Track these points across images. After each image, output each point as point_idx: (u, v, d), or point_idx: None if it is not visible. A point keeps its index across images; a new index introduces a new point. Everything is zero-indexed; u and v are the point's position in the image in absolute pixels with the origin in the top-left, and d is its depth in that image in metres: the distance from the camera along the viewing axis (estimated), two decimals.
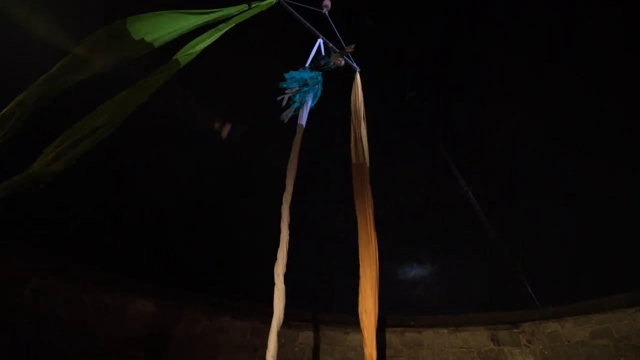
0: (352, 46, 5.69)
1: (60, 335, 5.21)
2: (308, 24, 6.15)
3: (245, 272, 11.67)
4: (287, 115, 5.30)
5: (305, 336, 6.31)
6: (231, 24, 4.79)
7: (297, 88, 5.24)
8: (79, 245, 8.83)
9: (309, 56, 6.01)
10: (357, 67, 6.60)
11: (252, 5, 4.97)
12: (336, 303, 14.04)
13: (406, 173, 14.26)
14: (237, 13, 4.81)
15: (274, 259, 3.49)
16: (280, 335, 6.31)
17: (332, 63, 5.68)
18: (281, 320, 3.00)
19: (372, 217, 4.69)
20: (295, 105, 5.27)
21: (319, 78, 5.44)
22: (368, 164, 5.27)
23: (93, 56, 3.56)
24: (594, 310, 5.57)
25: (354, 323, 6.44)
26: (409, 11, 13.19)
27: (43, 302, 5.35)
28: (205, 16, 4.48)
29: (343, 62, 5.89)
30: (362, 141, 5.50)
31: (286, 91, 5.27)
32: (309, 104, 5.19)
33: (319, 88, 5.47)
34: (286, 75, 5.28)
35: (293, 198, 3.97)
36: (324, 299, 13.86)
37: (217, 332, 6.18)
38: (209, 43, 4.64)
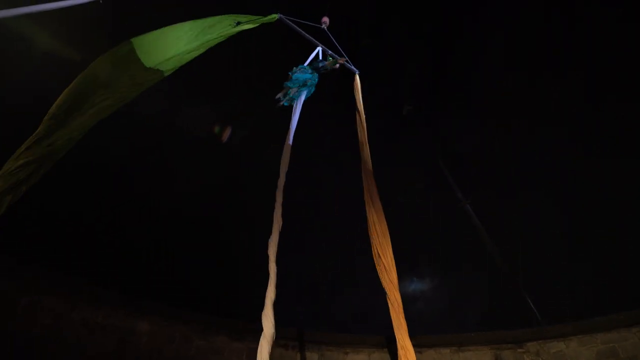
0: (344, 59, 6.27)
1: (51, 354, 5.05)
2: (308, 36, 6.27)
3: (244, 279, 11.31)
4: (281, 100, 5.71)
5: (303, 357, 6.08)
6: (222, 38, 4.78)
7: (296, 88, 5.69)
8: (71, 255, 8.62)
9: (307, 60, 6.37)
10: (357, 70, 6.71)
11: (244, 22, 4.98)
12: (336, 316, 13.75)
13: (404, 186, 14.17)
14: (231, 28, 4.82)
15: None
16: (277, 356, 6.11)
17: (328, 67, 6.09)
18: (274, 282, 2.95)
19: (384, 223, 4.84)
20: (289, 103, 5.72)
21: (315, 79, 5.93)
22: (371, 167, 5.53)
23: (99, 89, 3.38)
24: (599, 329, 5.46)
25: (353, 343, 6.27)
26: (406, 23, 13.27)
27: (33, 320, 5.19)
28: (207, 35, 4.46)
29: (338, 65, 6.23)
30: (365, 145, 5.76)
31: (289, 91, 5.68)
32: (302, 99, 5.65)
33: (312, 88, 5.95)
34: (292, 75, 5.75)
35: (290, 203, 3.97)
36: (321, 316, 13.52)
37: (211, 353, 5.94)
38: (199, 53, 4.56)
